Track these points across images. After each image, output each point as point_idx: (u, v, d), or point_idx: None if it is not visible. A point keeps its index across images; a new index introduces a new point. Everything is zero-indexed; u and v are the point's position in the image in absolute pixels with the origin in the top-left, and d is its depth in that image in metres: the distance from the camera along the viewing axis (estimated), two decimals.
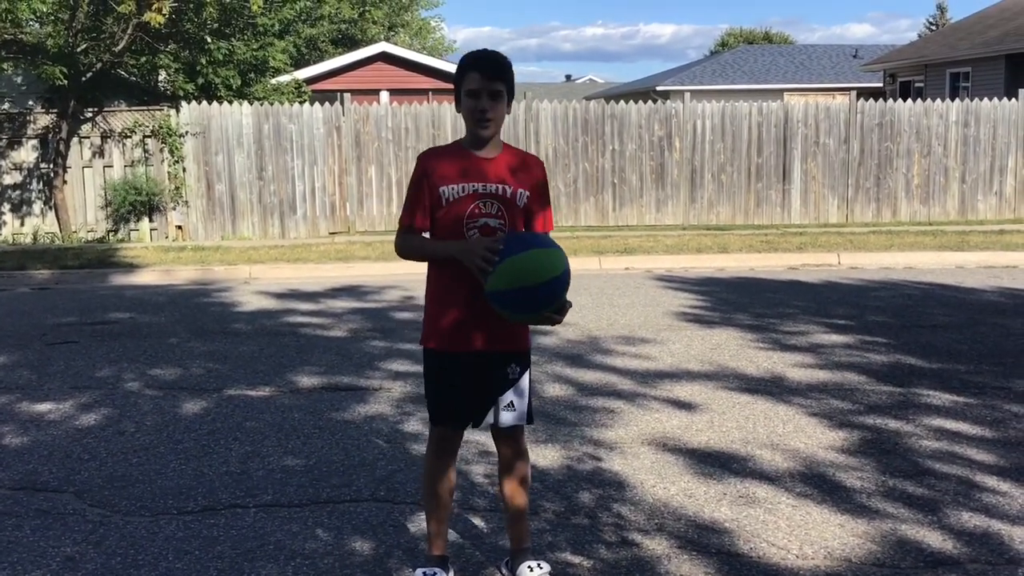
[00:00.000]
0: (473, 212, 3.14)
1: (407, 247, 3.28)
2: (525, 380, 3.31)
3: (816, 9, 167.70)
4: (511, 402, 3.27)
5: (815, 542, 3.72)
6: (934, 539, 3.74)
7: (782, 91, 29.75)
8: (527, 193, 3.22)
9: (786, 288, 10.21)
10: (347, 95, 15.56)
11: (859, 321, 8.20)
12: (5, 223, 14.83)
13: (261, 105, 15.39)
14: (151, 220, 14.91)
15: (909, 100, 16.68)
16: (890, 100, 16.51)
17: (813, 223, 16.11)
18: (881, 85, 29.09)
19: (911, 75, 26.66)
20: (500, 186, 3.18)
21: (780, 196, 16.24)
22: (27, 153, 14.81)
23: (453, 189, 3.15)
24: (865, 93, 24.09)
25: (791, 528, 3.86)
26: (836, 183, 16.27)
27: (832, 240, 13.55)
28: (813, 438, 5.01)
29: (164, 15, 13.94)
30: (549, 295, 3.04)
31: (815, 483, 4.36)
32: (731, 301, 9.35)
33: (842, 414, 5.44)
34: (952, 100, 16.93)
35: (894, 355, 6.88)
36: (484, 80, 3.13)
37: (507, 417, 3.28)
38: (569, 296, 3.16)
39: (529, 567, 3.33)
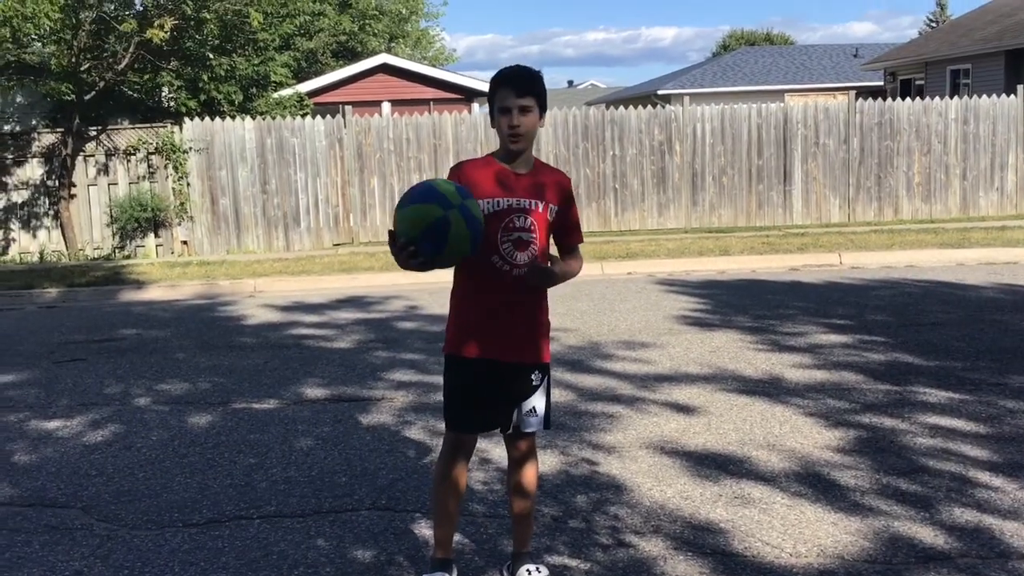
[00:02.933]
0: (508, 226, 3.22)
1: None
2: (545, 387, 3.40)
3: (816, 8, 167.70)
4: (533, 407, 3.36)
5: (808, 540, 3.79)
6: (926, 535, 3.80)
7: (783, 92, 29.81)
8: (556, 208, 3.32)
9: (787, 289, 10.27)
10: (348, 107, 15.69)
11: (858, 320, 8.25)
12: (15, 240, 14.97)
13: (263, 119, 15.53)
14: (157, 236, 15.05)
15: (908, 98, 16.74)
16: (889, 99, 16.58)
17: (815, 223, 16.16)
18: (882, 84, 29.12)
19: (911, 73, 26.69)
20: (532, 201, 3.26)
21: (781, 197, 16.30)
22: (32, 171, 14.96)
23: (488, 203, 3.22)
24: (866, 92, 24.17)
25: (785, 527, 3.92)
26: (837, 183, 16.32)
27: (834, 240, 13.60)
28: (809, 438, 5.07)
29: (166, 32, 14.09)
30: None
31: (810, 482, 4.42)
32: (731, 303, 9.41)
33: (838, 413, 5.50)
34: (952, 97, 16.98)
35: (892, 354, 6.94)
36: (514, 96, 3.21)
37: (530, 422, 3.37)
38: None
39: (528, 570, 3.41)
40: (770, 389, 6.09)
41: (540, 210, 3.27)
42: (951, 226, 14.97)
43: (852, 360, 6.79)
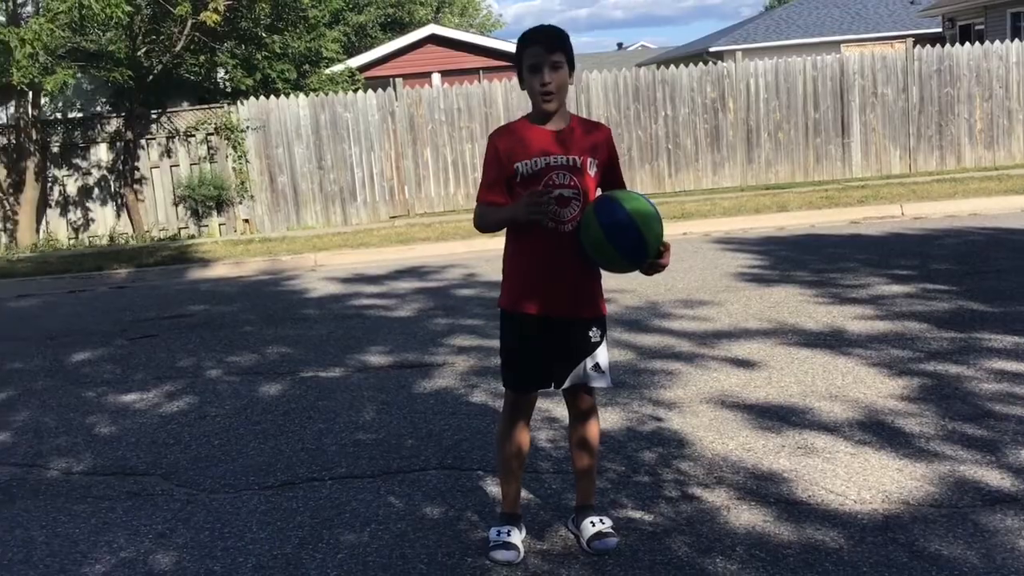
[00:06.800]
0: (547, 184, 3.23)
1: (481, 220, 3.39)
2: (605, 343, 3.43)
3: None
4: (597, 363, 3.38)
5: (873, 487, 3.80)
6: (993, 478, 3.79)
7: (839, 43, 29.19)
8: (597, 161, 3.31)
9: (847, 243, 10.15)
10: (399, 80, 15.77)
11: (921, 270, 8.15)
12: (88, 222, 15.36)
13: (317, 96, 15.69)
14: (219, 215, 15.35)
15: (967, 44, 16.31)
16: (948, 45, 16.17)
17: (875, 175, 15.89)
18: (940, 30, 28.36)
19: (971, 18, 25.96)
20: (571, 157, 3.26)
21: (840, 150, 16.04)
22: (98, 157, 15.33)
23: (527, 164, 3.25)
24: (924, 40, 23.57)
25: (849, 475, 3.93)
26: (897, 133, 16.01)
27: (895, 191, 13.38)
28: (872, 388, 5.06)
29: (220, 14, 14.27)
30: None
31: (874, 431, 4.42)
32: (791, 259, 9.34)
33: (902, 362, 5.47)
34: (1013, 41, 16.50)
35: (956, 301, 6.85)
36: (543, 54, 3.21)
37: (596, 376, 3.39)
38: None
39: (592, 522, 3.48)
40: (832, 341, 6.06)
41: (579, 165, 3.26)
42: (1016, 172, 14.62)
43: (915, 309, 6.72)
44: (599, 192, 3.35)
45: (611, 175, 3.41)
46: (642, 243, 3.16)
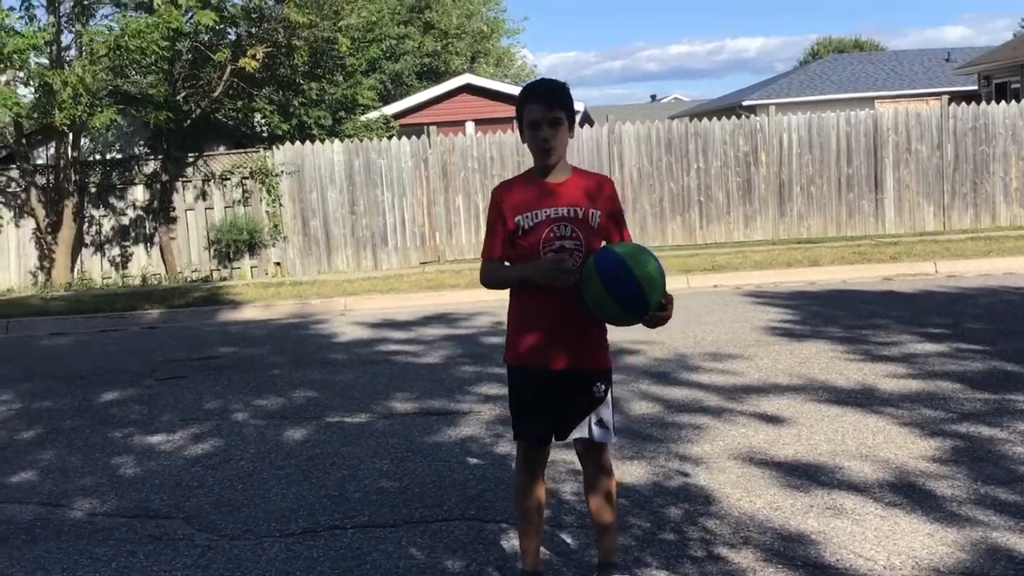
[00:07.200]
0: (548, 236, 3.25)
1: (489, 277, 3.43)
2: (609, 397, 3.41)
3: (908, 13, 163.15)
4: (601, 419, 3.36)
5: (903, 552, 3.72)
6: None
7: (873, 99, 29.18)
8: (599, 212, 3.32)
9: (879, 299, 10.06)
10: (433, 128, 15.94)
11: (955, 329, 8.04)
12: (128, 260, 15.55)
13: (351, 142, 15.87)
14: (251, 257, 15.49)
15: (1003, 102, 16.25)
16: (983, 103, 16.11)
17: (909, 232, 15.77)
18: (976, 88, 28.30)
19: (1007, 76, 25.89)
20: (572, 208, 3.28)
21: (873, 206, 15.96)
22: (134, 198, 15.56)
23: (527, 217, 3.27)
24: (959, 97, 23.50)
25: (879, 538, 3.85)
26: (931, 190, 15.91)
27: (928, 248, 13.26)
28: (903, 448, 4.97)
29: (258, 61, 14.54)
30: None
31: (905, 493, 4.33)
32: (821, 314, 9.26)
33: (934, 423, 5.37)
34: None
35: (990, 362, 6.74)
36: (543, 110, 3.25)
37: (598, 433, 3.37)
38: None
39: None
40: (863, 399, 5.98)
41: (580, 216, 3.27)
42: None
43: (948, 369, 6.62)
44: (604, 244, 3.35)
45: (614, 227, 3.39)
46: (643, 296, 3.14)
